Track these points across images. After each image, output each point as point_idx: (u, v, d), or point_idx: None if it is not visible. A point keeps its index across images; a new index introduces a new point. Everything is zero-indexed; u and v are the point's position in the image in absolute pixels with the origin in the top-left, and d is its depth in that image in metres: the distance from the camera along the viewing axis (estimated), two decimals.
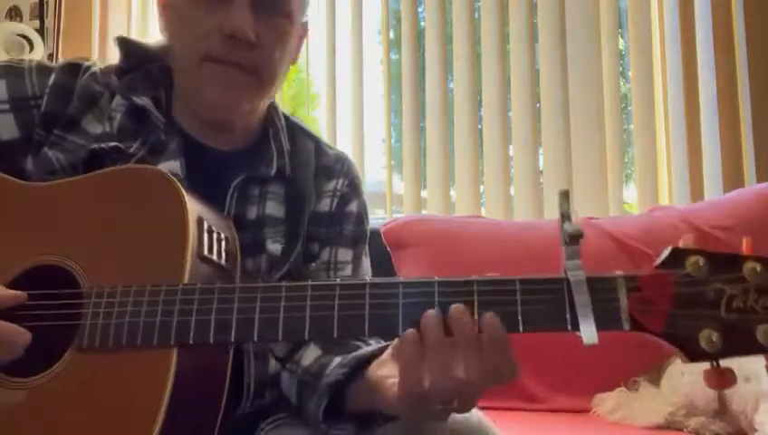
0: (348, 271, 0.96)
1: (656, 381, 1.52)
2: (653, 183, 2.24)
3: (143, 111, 0.89)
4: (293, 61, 0.97)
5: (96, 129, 0.87)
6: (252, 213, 0.90)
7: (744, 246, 0.62)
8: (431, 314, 0.64)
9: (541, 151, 2.36)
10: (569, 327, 0.62)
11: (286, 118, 1.00)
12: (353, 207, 0.99)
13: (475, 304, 0.65)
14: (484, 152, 2.40)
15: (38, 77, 0.89)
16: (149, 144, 0.87)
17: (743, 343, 0.59)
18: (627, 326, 0.61)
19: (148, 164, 0.84)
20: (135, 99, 0.89)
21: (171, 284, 0.71)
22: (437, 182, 2.44)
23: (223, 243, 0.78)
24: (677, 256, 0.63)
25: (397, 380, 0.65)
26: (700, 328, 0.59)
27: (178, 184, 0.76)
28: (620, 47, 2.40)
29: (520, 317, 0.64)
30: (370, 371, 0.73)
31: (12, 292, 0.73)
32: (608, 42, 2.32)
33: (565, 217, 0.64)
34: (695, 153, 2.12)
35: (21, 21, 2.83)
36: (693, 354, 0.60)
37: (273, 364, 0.90)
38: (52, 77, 0.89)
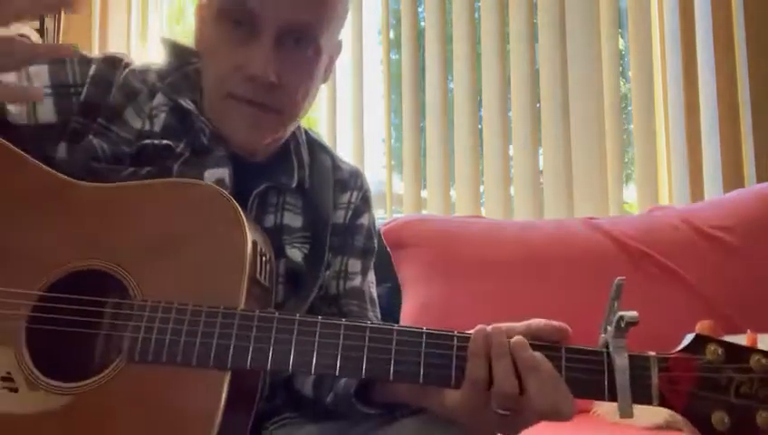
0: (357, 281, 0.99)
1: None
2: (653, 183, 2.24)
3: (187, 113, 0.89)
4: (325, 80, 0.97)
5: (136, 123, 0.88)
6: (269, 221, 0.92)
7: (747, 341, 0.74)
8: (499, 329, 0.70)
9: (541, 151, 2.36)
10: (606, 399, 0.69)
11: (306, 133, 1.02)
12: (364, 220, 1.02)
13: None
14: (484, 152, 2.40)
15: (79, 66, 0.89)
16: (193, 147, 0.88)
17: (746, 426, 0.68)
18: (656, 402, 0.70)
19: (194, 166, 0.86)
20: (182, 102, 0.89)
21: (229, 307, 0.71)
22: (437, 182, 2.44)
23: (268, 265, 0.80)
24: (699, 342, 0.71)
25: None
26: (714, 409, 0.69)
27: (238, 206, 0.77)
28: (620, 47, 2.40)
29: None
30: None
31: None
32: (608, 42, 2.32)
33: (615, 300, 0.71)
34: (695, 153, 2.12)
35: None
36: (705, 431, 0.69)
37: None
38: (93, 67, 0.89)
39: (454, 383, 0.69)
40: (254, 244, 0.76)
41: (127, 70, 0.91)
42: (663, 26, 2.24)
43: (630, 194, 2.70)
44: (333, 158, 1.03)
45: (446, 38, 2.49)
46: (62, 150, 0.87)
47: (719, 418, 0.69)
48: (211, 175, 0.86)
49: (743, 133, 2.05)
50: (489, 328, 0.70)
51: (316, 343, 0.70)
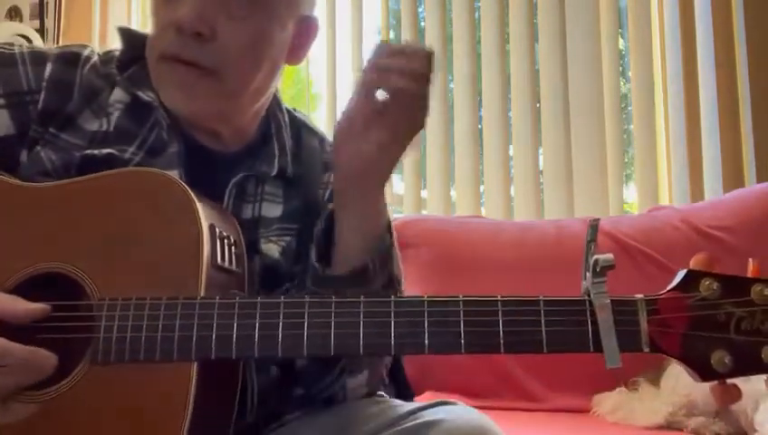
0: None
1: (656, 381, 1.52)
2: (653, 183, 2.24)
3: (147, 107, 0.83)
4: (294, 62, 0.91)
5: (93, 125, 0.83)
6: (247, 212, 0.87)
7: (750, 268, 0.65)
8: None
9: (541, 151, 2.35)
10: (591, 349, 0.64)
11: (290, 114, 0.95)
12: None
13: (500, 322, 0.66)
14: (484, 152, 2.40)
15: (32, 67, 0.83)
16: (149, 145, 0.82)
17: (750, 364, 0.62)
18: (647, 349, 0.64)
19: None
20: (141, 94, 0.83)
21: (188, 297, 0.69)
22: (437, 182, 2.44)
23: (233, 248, 0.76)
24: (692, 278, 0.65)
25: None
26: (712, 349, 0.63)
27: (190, 190, 0.74)
28: (620, 47, 2.40)
29: (544, 338, 0.65)
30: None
31: (38, 305, 0.70)
32: (608, 42, 2.31)
33: (592, 243, 0.66)
34: (695, 153, 2.12)
35: (21, 21, 2.83)
36: (705, 374, 0.63)
37: (274, 370, 0.87)
38: (48, 68, 0.83)
39: (427, 349, 0.66)
40: (212, 227, 0.73)
41: (88, 66, 0.84)
42: (663, 26, 2.24)
43: (630, 194, 2.70)
44: (323, 140, 0.97)
45: (446, 38, 2.49)
46: (23, 157, 0.82)
47: (719, 358, 0.62)
48: None
49: (743, 133, 2.04)
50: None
51: (281, 324, 0.66)
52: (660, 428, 1.42)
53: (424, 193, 2.50)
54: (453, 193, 2.48)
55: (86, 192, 0.77)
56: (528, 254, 1.77)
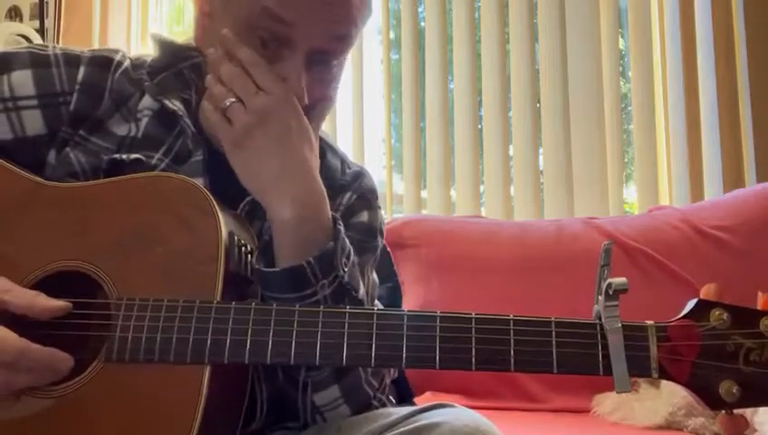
0: None
1: (656, 381, 1.52)
2: (653, 183, 2.24)
3: (173, 115, 0.85)
4: None
5: (122, 130, 0.84)
6: (257, 228, 0.87)
7: (760, 301, 0.66)
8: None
9: (541, 151, 2.36)
10: (601, 373, 0.66)
11: (320, 139, 0.95)
12: (362, 217, 0.95)
13: (511, 341, 0.67)
14: (484, 152, 2.40)
15: (66, 68, 0.84)
16: (174, 152, 0.84)
17: (758, 395, 0.63)
18: (656, 375, 0.65)
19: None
20: (167, 103, 0.85)
21: (205, 300, 0.70)
22: (437, 182, 2.44)
23: (249, 256, 0.77)
24: (702, 307, 0.66)
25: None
26: (721, 379, 0.64)
27: (211, 197, 0.75)
28: (620, 47, 2.40)
29: (555, 359, 0.67)
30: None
31: (59, 302, 0.72)
32: (608, 42, 2.32)
33: (605, 267, 0.67)
34: (695, 153, 2.12)
35: (21, 21, 2.83)
36: (713, 403, 0.64)
37: (280, 379, 0.86)
38: (81, 71, 0.84)
39: (438, 364, 0.67)
40: (231, 234, 0.74)
41: (120, 71, 0.87)
42: (663, 26, 2.24)
43: (630, 194, 2.70)
44: (343, 161, 0.98)
45: (446, 38, 2.49)
46: (52, 157, 0.84)
47: (727, 388, 0.63)
48: None
49: (743, 133, 2.05)
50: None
51: (294, 332, 0.68)
52: (660, 428, 1.42)
53: (424, 193, 2.50)
54: (453, 193, 2.48)
55: (109, 194, 0.78)
56: (528, 254, 1.77)
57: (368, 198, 0.97)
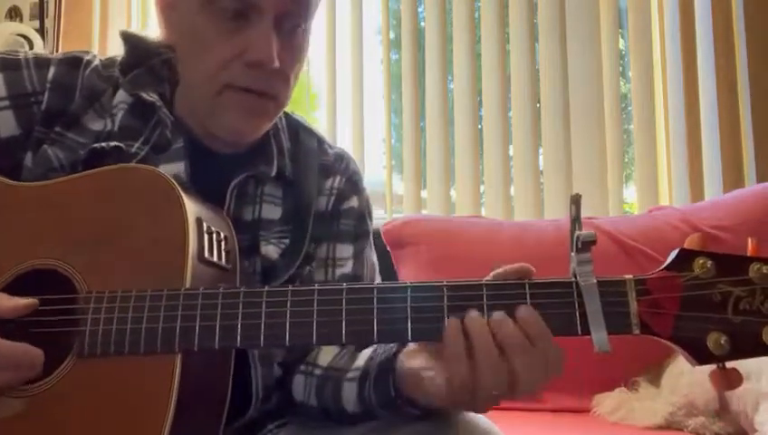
0: (348, 268, 0.94)
1: (656, 381, 1.52)
2: (653, 183, 2.24)
3: (150, 107, 0.85)
4: None
5: (97, 125, 0.85)
6: (248, 214, 0.88)
7: (750, 247, 0.62)
8: (476, 316, 0.64)
9: (541, 151, 2.36)
10: (579, 332, 0.62)
11: (287, 116, 0.97)
12: (353, 203, 0.96)
13: (485, 307, 0.65)
14: (484, 152, 2.40)
15: (36, 70, 0.85)
16: (153, 142, 0.84)
17: (750, 345, 0.59)
18: (637, 331, 0.61)
19: (150, 164, 0.81)
20: (143, 95, 0.85)
21: (173, 288, 0.69)
22: (437, 182, 2.44)
23: (223, 243, 0.76)
24: (685, 257, 0.62)
25: (433, 373, 0.66)
26: (708, 331, 0.59)
27: (176, 184, 0.74)
28: (620, 47, 2.40)
29: None
30: (400, 361, 0.73)
31: (24, 300, 0.71)
32: (608, 42, 2.32)
33: (576, 221, 0.64)
34: (695, 153, 2.12)
35: (21, 21, 2.82)
36: (701, 357, 0.60)
37: (277, 368, 0.88)
38: (51, 71, 0.85)
39: (411, 335, 0.66)
40: (198, 221, 0.73)
41: (89, 69, 0.87)
42: (663, 26, 2.24)
43: (630, 194, 2.70)
44: (320, 141, 0.99)
45: (446, 38, 2.49)
46: (28, 160, 0.83)
47: (715, 339, 0.59)
48: (165, 171, 0.80)
49: (743, 133, 2.05)
50: (468, 325, 0.63)
51: (263, 314, 0.67)
52: (660, 428, 1.42)
53: (424, 193, 2.50)
54: (453, 193, 2.48)
55: (75, 189, 0.78)
56: (528, 254, 1.77)
57: (355, 181, 0.98)
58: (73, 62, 0.87)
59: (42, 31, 2.75)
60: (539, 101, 2.36)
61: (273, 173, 0.90)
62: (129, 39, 0.91)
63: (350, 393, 0.79)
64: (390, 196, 2.50)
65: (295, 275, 0.89)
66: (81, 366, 0.70)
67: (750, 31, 2.03)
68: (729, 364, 0.60)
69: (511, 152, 2.39)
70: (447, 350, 0.64)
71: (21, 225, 0.77)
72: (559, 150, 2.31)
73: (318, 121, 2.71)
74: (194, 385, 0.69)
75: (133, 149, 0.83)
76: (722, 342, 0.59)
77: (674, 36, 2.17)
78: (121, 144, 0.83)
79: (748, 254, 0.62)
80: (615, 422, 1.49)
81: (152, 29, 2.78)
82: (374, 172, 2.84)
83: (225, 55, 0.82)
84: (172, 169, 0.82)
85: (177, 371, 0.67)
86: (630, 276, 0.63)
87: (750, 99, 2.02)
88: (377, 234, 1.84)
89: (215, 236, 0.75)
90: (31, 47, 2.65)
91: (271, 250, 0.88)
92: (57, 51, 2.73)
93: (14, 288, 0.73)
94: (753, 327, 0.59)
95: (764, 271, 0.60)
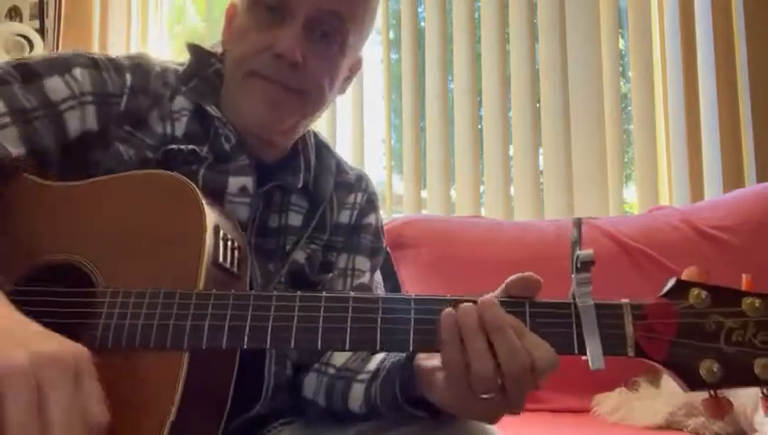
0: (365, 279, 0.99)
1: (656, 381, 1.52)
2: (653, 183, 2.24)
3: (211, 119, 0.90)
4: (342, 92, 1.01)
5: (160, 128, 0.89)
6: (274, 221, 0.93)
7: (744, 282, 0.65)
8: (467, 304, 0.66)
9: (541, 151, 2.36)
10: (576, 351, 0.65)
11: (315, 135, 1.04)
12: (371, 220, 1.02)
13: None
14: (484, 152, 2.40)
15: (116, 74, 0.90)
16: (215, 151, 0.89)
17: (741, 376, 0.61)
18: (631, 353, 0.63)
19: (216, 171, 0.88)
20: (206, 107, 0.91)
21: (186, 290, 0.72)
22: (437, 182, 2.44)
23: (236, 252, 0.80)
24: (681, 287, 0.65)
25: (444, 373, 0.68)
26: (701, 358, 0.62)
27: (198, 191, 0.78)
28: (620, 47, 2.40)
29: None
30: (417, 359, 0.74)
31: None
32: (608, 42, 2.32)
33: (576, 243, 0.66)
34: (695, 153, 2.12)
35: (21, 21, 2.83)
36: (693, 383, 0.62)
37: (289, 367, 0.91)
38: (128, 77, 0.90)
39: (412, 346, 0.67)
40: (216, 228, 0.77)
41: (154, 74, 0.93)
42: (663, 26, 2.24)
43: (630, 194, 2.70)
44: (339, 161, 1.05)
45: (446, 38, 2.49)
46: (98, 155, 0.88)
47: (708, 367, 0.61)
48: (236, 182, 0.87)
49: (743, 133, 2.05)
50: (459, 309, 0.65)
51: (271, 317, 0.70)
52: (660, 428, 1.42)
53: (424, 193, 2.50)
54: (453, 193, 2.48)
55: (102, 191, 0.82)
56: (528, 254, 1.77)
57: (372, 200, 1.04)
58: (144, 69, 0.93)
59: (42, 31, 2.75)
60: (539, 101, 2.36)
61: (300, 185, 0.95)
62: (193, 50, 0.97)
63: (358, 393, 0.82)
64: (390, 196, 2.50)
65: (318, 281, 0.94)
66: (92, 358, 0.71)
67: (750, 31, 2.03)
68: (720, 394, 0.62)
69: (511, 152, 2.39)
70: (440, 336, 0.66)
71: (46, 221, 0.80)
72: (559, 150, 2.31)
73: (318, 121, 2.71)
74: (198, 383, 0.71)
75: (203, 154, 0.89)
76: (714, 369, 0.61)
77: (674, 36, 2.17)
78: (196, 148, 0.88)
79: (743, 289, 0.64)
80: (615, 422, 1.49)
81: (153, 30, 2.78)
82: (374, 172, 2.84)
83: (257, 45, 0.87)
84: (241, 182, 0.88)
85: (184, 367, 0.69)
86: (627, 301, 0.65)
87: (750, 99, 2.02)
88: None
89: (229, 243, 0.79)
90: (31, 47, 2.65)
91: (300, 255, 0.93)
92: (57, 51, 2.73)
93: (33, 280, 0.76)
94: (746, 358, 0.61)
95: (757, 305, 0.62)
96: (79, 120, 0.86)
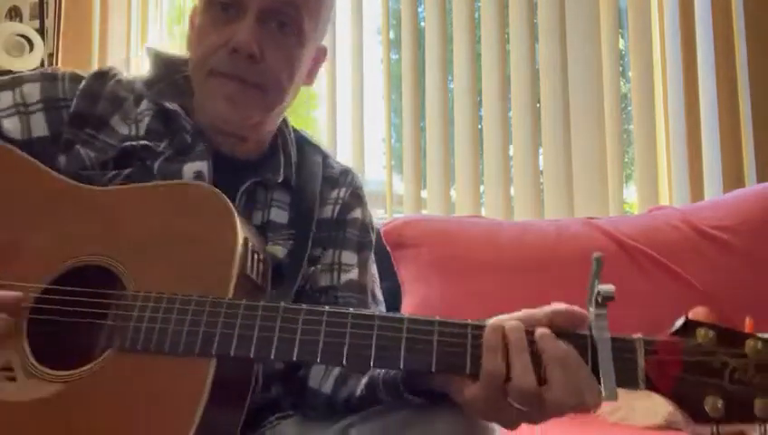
0: (354, 274, 0.99)
1: None
2: (653, 183, 2.24)
3: (173, 115, 0.93)
4: (308, 83, 1.01)
5: (123, 130, 0.92)
6: (257, 218, 0.94)
7: (747, 325, 0.68)
8: (515, 323, 0.69)
9: (541, 151, 2.36)
10: None
11: (295, 131, 1.05)
12: (357, 214, 1.02)
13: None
14: (484, 152, 2.40)
15: (70, 83, 0.94)
16: (176, 145, 0.91)
17: (742, 413, 0.65)
18: (643, 386, 0.67)
19: (174, 163, 0.89)
20: (166, 104, 0.93)
21: (216, 298, 0.74)
22: (437, 182, 2.44)
23: (261, 264, 0.82)
24: (690, 326, 0.69)
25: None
26: (706, 393, 0.66)
27: (230, 204, 0.80)
28: (620, 47, 2.40)
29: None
30: None
31: (11, 293, 0.76)
32: (608, 42, 2.32)
33: (596, 277, 0.69)
34: (695, 153, 2.12)
35: (21, 21, 2.83)
36: (698, 416, 0.66)
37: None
38: (83, 83, 0.93)
39: (469, 371, 0.68)
40: (246, 241, 0.79)
41: (113, 80, 0.95)
42: (663, 26, 2.24)
43: (630, 194, 2.70)
44: (325, 157, 1.05)
45: (446, 38, 2.49)
46: (62, 161, 0.90)
47: (712, 402, 0.65)
48: (190, 168, 0.89)
49: (743, 133, 2.05)
50: (506, 323, 0.68)
51: (299, 331, 0.71)
52: (660, 428, 1.42)
53: (424, 193, 2.50)
54: (453, 193, 2.48)
55: (139, 196, 0.84)
56: (528, 254, 1.77)
57: (358, 194, 1.05)
58: (100, 74, 0.96)
59: (42, 31, 2.75)
60: (539, 101, 2.36)
61: (280, 180, 0.96)
62: (154, 56, 0.99)
63: (364, 378, 0.83)
64: (390, 196, 2.50)
65: (300, 276, 0.94)
66: (119, 359, 0.74)
67: (750, 31, 2.03)
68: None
69: (511, 152, 2.39)
70: (485, 341, 0.68)
71: (82, 224, 0.83)
72: (559, 150, 2.31)
73: (318, 121, 2.71)
74: (224, 387, 0.73)
75: (159, 149, 0.91)
76: (718, 405, 0.65)
77: (674, 36, 2.17)
78: (150, 143, 0.90)
79: (746, 330, 0.68)
80: (615, 422, 1.49)
81: (152, 30, 2.78)
82: (374, 172, 2.84)
83: (215, 43, 0.89)
84: (196, 168, 0.90)
85: (211, 373, 0.71)
86: (640, 336, 0.69)
87: (750, 99, 2.01)
88: (377, 234, 1.84)
89: (256, 256, 0.81)
90: (31, 47, 2.66)
91: (277, 250, 0.93)
92: (57, 51, 2.73)
93: (66, 280, 0.79)
94: (746, 397, 0.65)
95: (758, 347, 0.66)
96: (20, 126, 0.90)
